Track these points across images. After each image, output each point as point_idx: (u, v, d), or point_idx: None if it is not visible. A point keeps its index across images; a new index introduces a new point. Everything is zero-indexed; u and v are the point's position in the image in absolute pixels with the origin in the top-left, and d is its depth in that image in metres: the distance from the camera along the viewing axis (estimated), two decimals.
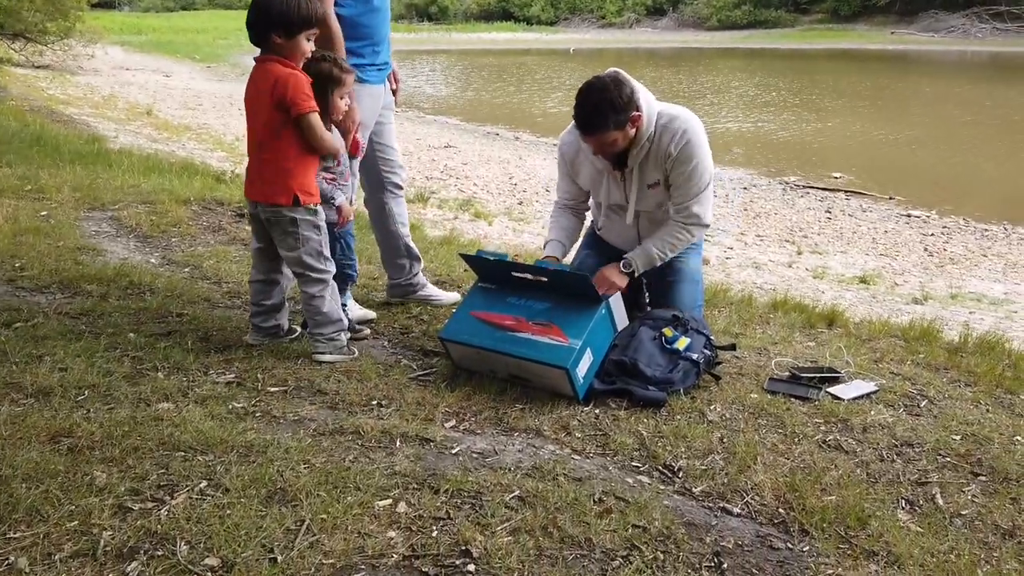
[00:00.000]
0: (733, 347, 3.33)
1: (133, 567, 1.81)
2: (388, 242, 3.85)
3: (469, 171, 10.77)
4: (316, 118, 2.99)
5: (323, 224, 3.13)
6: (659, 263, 3.37)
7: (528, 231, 7.49)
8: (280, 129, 2.99)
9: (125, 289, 3.84)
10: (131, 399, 2.66)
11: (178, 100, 16.29)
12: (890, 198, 10.05)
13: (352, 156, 3.38)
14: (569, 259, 3.67)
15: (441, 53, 37.13)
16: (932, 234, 8.37)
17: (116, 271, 4.05)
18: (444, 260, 4.75)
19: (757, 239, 7.95)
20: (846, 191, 10.46)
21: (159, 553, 1.86)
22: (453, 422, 2.69)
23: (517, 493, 2.21)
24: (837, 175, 11.40)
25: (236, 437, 2.41)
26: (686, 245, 3.40)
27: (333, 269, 3.17)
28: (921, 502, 2.32)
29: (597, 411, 2.80)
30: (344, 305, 3.37)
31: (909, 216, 9.17)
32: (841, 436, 2.68)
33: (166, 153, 9.29)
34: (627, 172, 3.33)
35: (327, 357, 3.12)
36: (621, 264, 3.32)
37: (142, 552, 1.87)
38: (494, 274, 3.24)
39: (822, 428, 2.74)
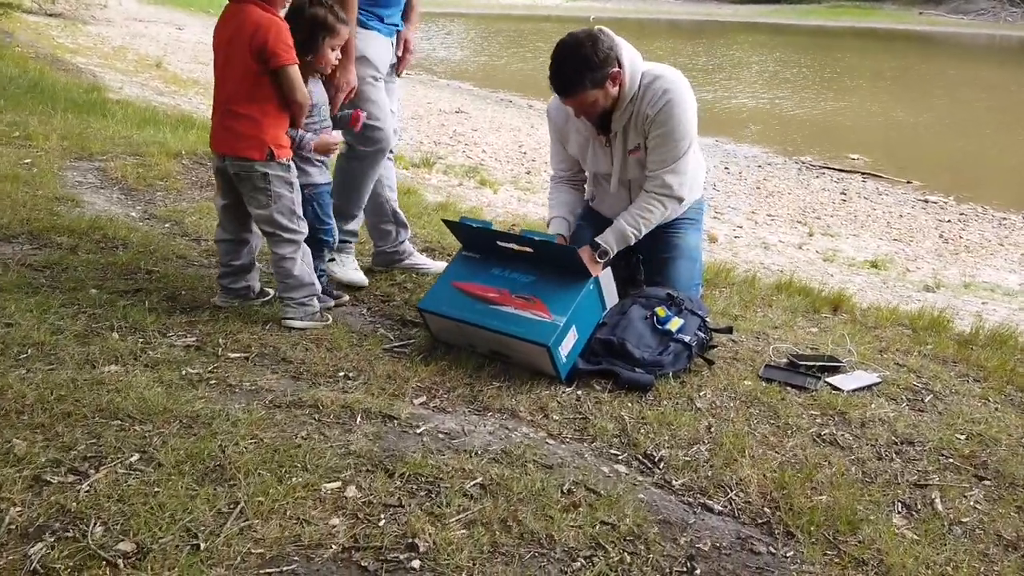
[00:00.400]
0: (730, 330, 3.12)
1: (37, 549, 1.64)
2: (374, 206, 3.66)
3: (478, 137, 10.55)
4: (296, 71, 2.81)
5: (295, 181, 2.94)
6: (635, 240, 3.11)
7: (534, 201, 7.31)
8: (257, 80, 2.80)
9: (97, 242, 3.68)
10: (77, 360, 2.49)
11: (189, 54, 16.02)
12: (908, 182, 9.82)
13: (351, 127, 3.16)
14: None
15: (459, 17, 36.62)
16: (949, 220, 8.17)
17: (90, 223, 3.87)
18: (437, 226, 4.55)
19: (768, 218, 7.75)
20: (863, 173, 10.24)
21: (68, 534, 1.69)
22: (423, 398, 2.52)
23: (479, 480, 2.04)
24: (855, 156, 11.14)
25: (182, 406, 2.24)
26: (660, 219, 3.14)
27: (306, 230, 2.98)
28: (919, 506, 2.14)
29: (579, 393, 2.63)
30: (322, 271, 3.20)
31: (926, 201, 8.96)
32: (837, 430, 2.50)
33: (169, 106, 9.09)
34: (611, 137, 3.10)
35: (297, 323, 2.95)
36: (598, 252, 3.00)
37: (49, 533, 1.70)
38: (478, 243, 3.05)
39: (818, 421, 2.55)
